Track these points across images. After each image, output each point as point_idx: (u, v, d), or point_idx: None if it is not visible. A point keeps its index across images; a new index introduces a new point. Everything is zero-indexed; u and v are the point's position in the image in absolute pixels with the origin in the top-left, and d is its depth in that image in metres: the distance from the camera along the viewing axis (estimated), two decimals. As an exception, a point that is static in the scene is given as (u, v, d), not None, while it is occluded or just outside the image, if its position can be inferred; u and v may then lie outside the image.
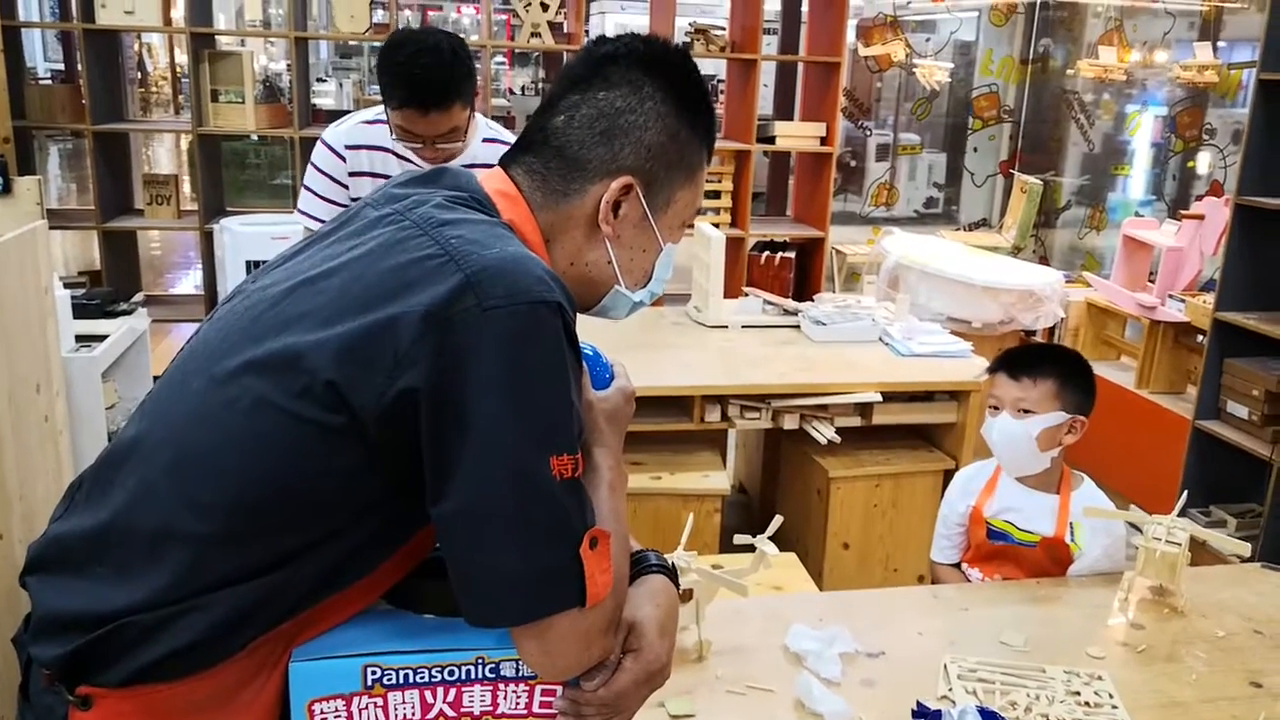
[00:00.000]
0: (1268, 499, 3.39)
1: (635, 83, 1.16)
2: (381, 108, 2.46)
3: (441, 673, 1.08)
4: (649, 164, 1.17)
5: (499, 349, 0.98)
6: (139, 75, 13.57)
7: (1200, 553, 3.23)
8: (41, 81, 11.02)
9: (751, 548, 1.78)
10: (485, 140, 2.55)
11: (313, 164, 2.61)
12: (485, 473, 0.98)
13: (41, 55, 14.01)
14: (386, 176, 2.51)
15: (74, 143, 12.49)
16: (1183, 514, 3.63)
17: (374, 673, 1.07)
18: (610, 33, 1.25)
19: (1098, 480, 2.13)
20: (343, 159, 2.56)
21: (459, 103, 2.32)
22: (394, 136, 2.39)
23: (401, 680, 1.08)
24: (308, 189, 2.62)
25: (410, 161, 2.50)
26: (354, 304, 1.02)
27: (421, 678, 1.08)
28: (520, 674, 1.09)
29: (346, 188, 2.58)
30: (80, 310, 3.25)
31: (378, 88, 2.41)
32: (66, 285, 3.25)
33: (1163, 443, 3.95)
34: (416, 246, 1.05)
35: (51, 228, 4.86)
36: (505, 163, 1.21)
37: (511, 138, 2.61)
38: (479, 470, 0.98)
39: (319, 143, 2.61)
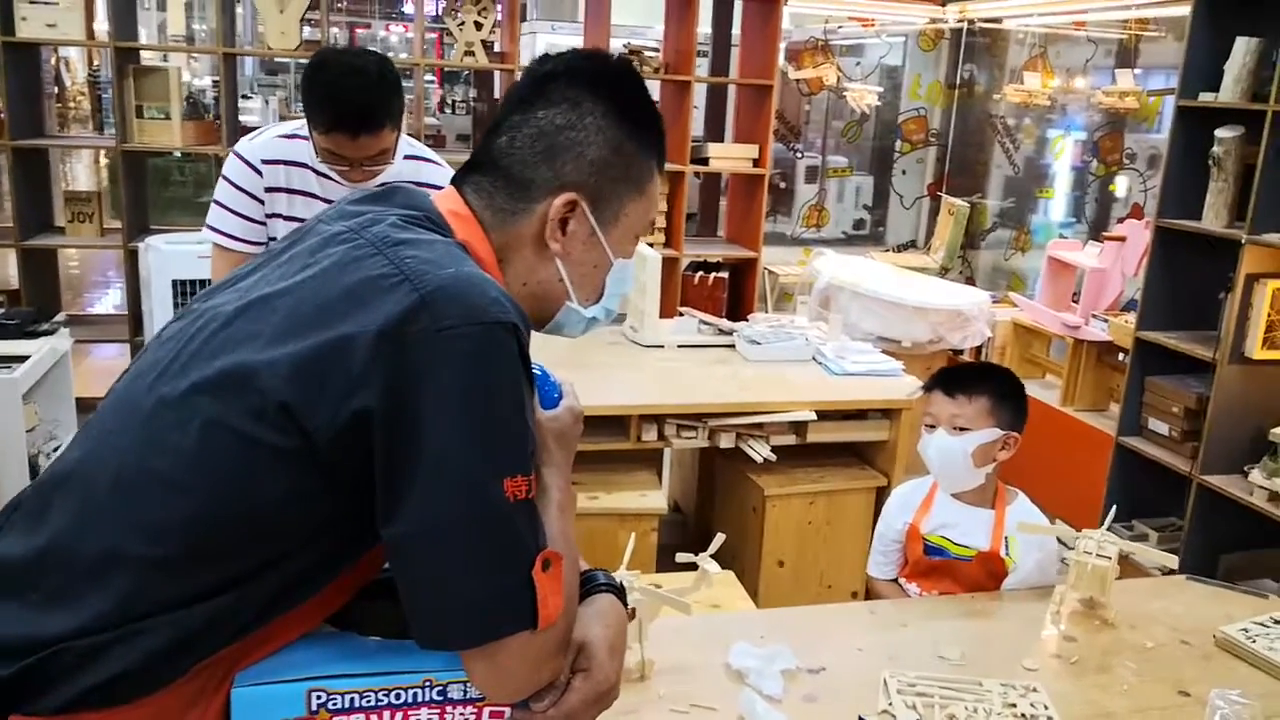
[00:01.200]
0: (1188, 513, 3.49)
1: (574, 99, 1.16)
2: (299, 122, 2.41)
3: (388, 696, 1.07)
4: (593, 179, 1.17)
5: (453, 370, 0.98)
6: (56, 90, 13.24)
7: (1124, 566, 3.32)
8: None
9: (693, 566, 1.78)
10: (406, 157, 2.50)
11: (225, 178, 2.49)
12: (438, 494, 0.97)
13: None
14: (306, 193, 2.46)
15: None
16: (1108, 528, 3.73)
17: (319, 697, 1.05)
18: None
19: (1027, 494, 2.18)
20: (259, 173, 2.46)
21: (388, 125, 2.27)
22: (319, 159, 2.33)
23: (347, 705, 1.06)
24: (219, 204, 2.50)
25: (330, 179, 2.42)
26: (307, 322, 1.01)
27: (367, 701, 1.06)
28: (468, 696, 1.08)
29: (262, 203, 2.47)
30: (-1, 331, 3.17)
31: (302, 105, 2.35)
32: (-19, 306, 3.16)
33: (1087, 459, 4.05)
34: (371, 265, 1.04)
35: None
36: (456, 182, 1.21)
37: (432, 154, 2.60)
38: (432, 492, 0.97)
39: (232, 156, 2.49)
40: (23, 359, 3.12)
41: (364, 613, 1.16)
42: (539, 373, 1.24)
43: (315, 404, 0.98)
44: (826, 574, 3.34)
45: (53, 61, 6.20)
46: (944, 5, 5.61)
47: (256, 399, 0.99)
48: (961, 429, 2.07)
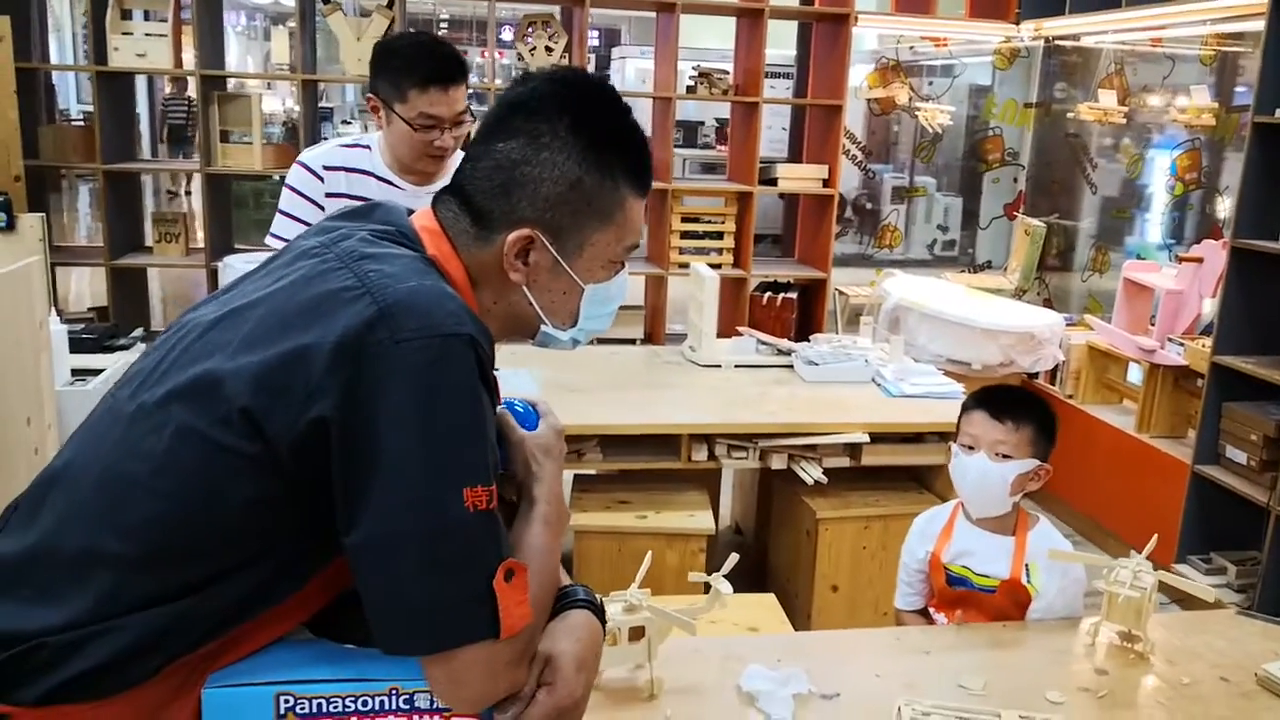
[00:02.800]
0: (1266, 546, 3.35)
1: (532, 133, 1.15)
2: (359, 133, 2.49)
3: (355, 702, 1.08)
4: (549, 214, 1.16)
5: (410, 381, 1.00)
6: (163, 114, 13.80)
7: (1191, 599, 3.19)
8: (74, 122, 11.24)
9: (710, 586, 1.77)
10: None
11: (289, 186, 2.56)
12: (395, 503, 0.99)
13: (74, 97, 14.29)
14: (365, 199, 2.49)
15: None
16: (1182, 560, 3.60)
17: (287, 701, 1.07)
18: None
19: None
20: (320, 179, 2.52)
21: (468, 79, 2.40)
22: (415, 127, 2.36)
23: (314, 710, 1.08)
24: (282, 213, 2.55)
25: (391, 184, 2.50)
26: (272, 333, 1.05)
27: (335, 707, 1.08)
28: (434, 705, 1.09)
29: (322, 209, 2.51)
30: (78, 344, 3.29)
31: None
32: (67, 320, 3.29)
33: (1163, 487, 3.91)
34: (336, 279, 1.07)
35: (62, 264, 4.95)
36: (435, 201, 1.23)
37: None
38: (389, 501, 0.99)
39: (295, 165, 2.56)
40: (98, 372, 3.24)
41: (341, 619, 1.18)
42: (520, 408, 1.27)
43: (275, 411, 1.01)
44: (882, 600, 3.28)
45: (166, 89, 6.48)
46: (1018, 23, 5.51)
47: (223, 405, 1.02)
48: (1005, 456, 2.01)
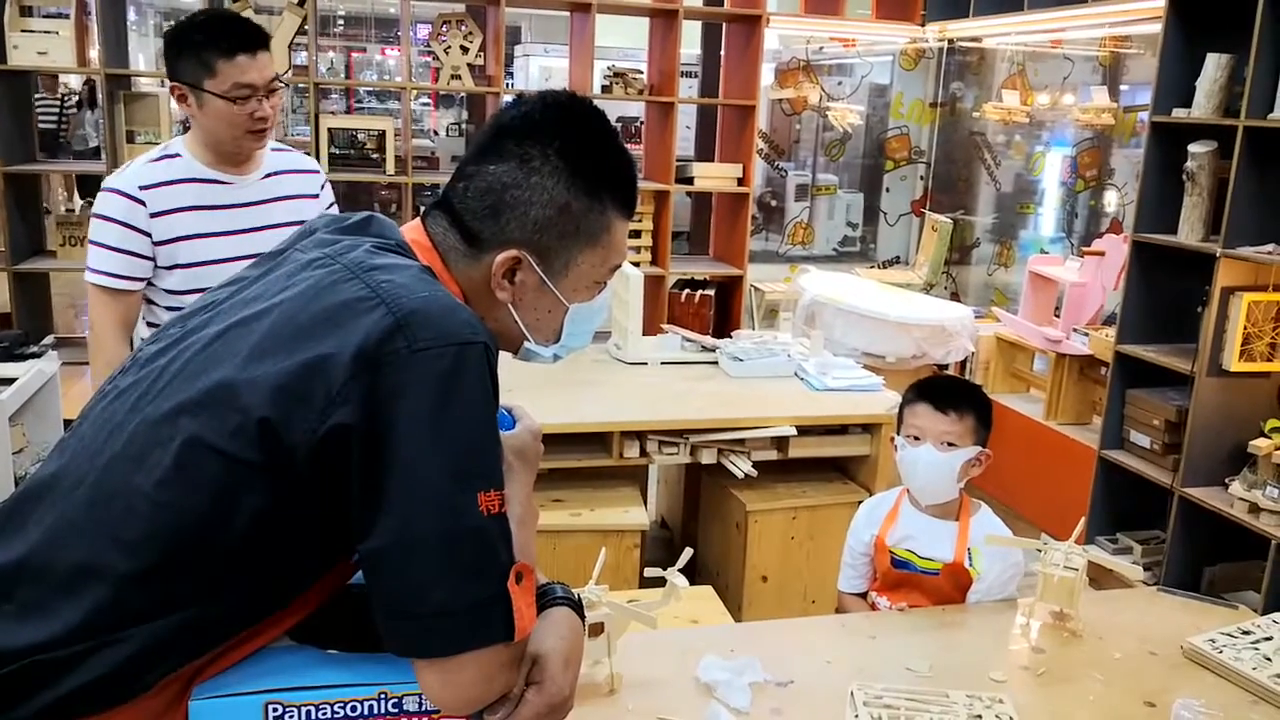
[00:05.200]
0: (1170, 526, 3.50)
1: (524, 156, 1.17)
2: (160, 146, 2.43)
3: (344, 708, 1.09)
4: (537, 236, 1.19)
5: (428, 389, 1.02)
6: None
7: (1108, 578, 3.33)
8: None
9: (664, 580, 1.80)
10: (273, 150, 2.55)
11: (103, 217, 2.34)
12: (414, 509, 1.01)
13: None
14: (202, 207, 2.39)
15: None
16: (1090, 541, 3.74)
17: (275, 710, 1.07)
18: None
19: (1009, 509, 2.19)
20: (142, 203, 2.34)
21: (269, 46, 2.37)
22: (233, 100, 2.28)
23: (303, 717, 1.08)
24: (99, 245, 2.34)
25: (216, 181, 2.40)
26: (286, 342, 1.05)
27: (323, 713, 1.08)
28: (423, 708, 1.10)
29: (149, 235, 2.35)
30: (-13, 353, 3.18)
31: (185, 84, 2.30)
32: (-29, 328, 3.18)
33: (1071, 472, 4.06)
34: (348, 289, 1.08)
35: (-43, 270, 4.75)
36: (425, 216, 1.25)
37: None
38: (408, 507, 1.01)
39: (105, 195, 2.35)
40: (10, 381, 3.13)
41: (325, 625, 1.18)
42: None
43: (294, 420, 1.01)
44: (810, 589, 3.36)
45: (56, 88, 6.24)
46: (924, 25, 5.66)
47: (238, 416, 1.02)
48: (951, 445, 2.08)
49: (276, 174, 2.52)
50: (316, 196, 2.61)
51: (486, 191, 1.18)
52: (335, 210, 2.60)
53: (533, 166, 1.17)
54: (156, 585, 1.02)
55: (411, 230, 1.23)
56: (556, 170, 1.17)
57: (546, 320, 1.26)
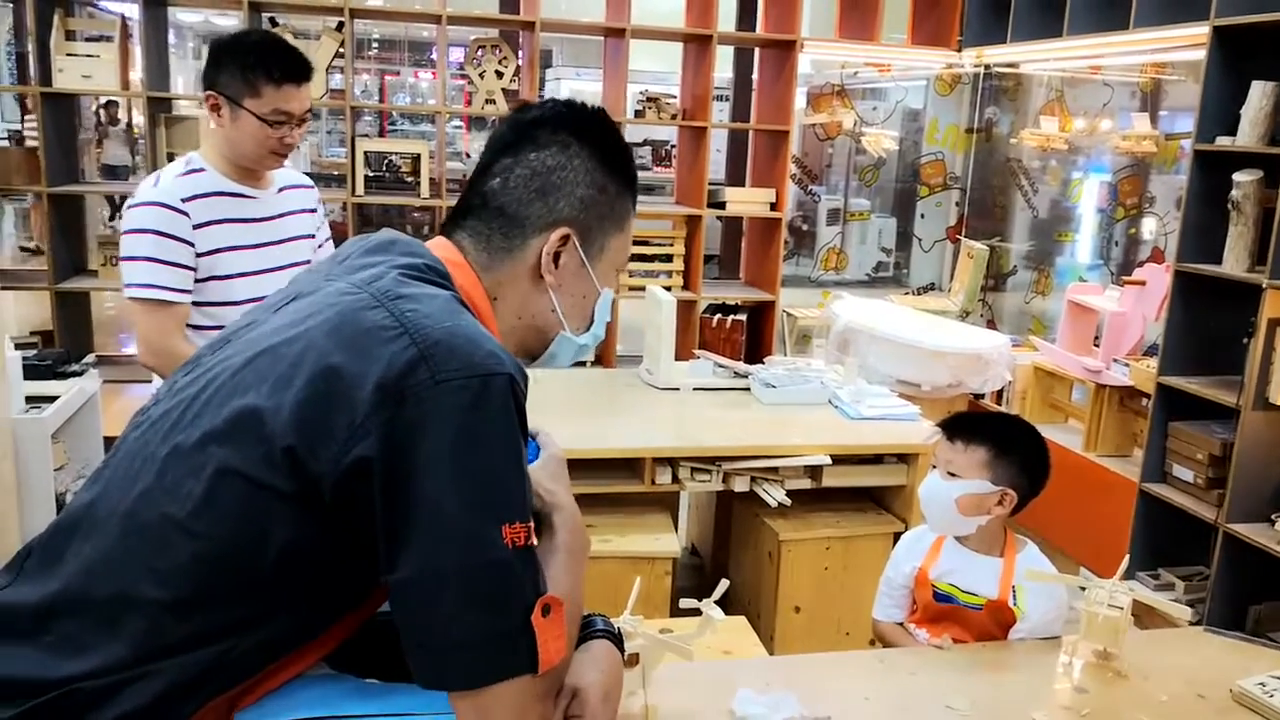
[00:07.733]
0: (1214, 562, 3.43)
1: (563, 143, 1.24)
2: (183, 158, 2.46)
3: (377, 739, 1.07)
4: (582, 215, 1.24)
5: (451, 420, 1.01)
6: (97, 138, 13.46)
7: (1151, 615, 3.27)
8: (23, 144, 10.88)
9: (698, 611, 1.77)
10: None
11: (147, 230, 2.34)
12: (438, 542, 1.00)
13: (-2, 117, 13.91)
14: (234, 220, 2.44)
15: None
16: (1131, 577, 3.67)
17: (310, 740, 1.05)
18: (566, 98, 1.32)
19: (1046, 542, 2.15)
20: (185, 214, 2.36)
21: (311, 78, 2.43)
22: (269, 123, 2.33)
23: (340, 748, 1.06)
24: (149, 259, 2.34)
25: (243, 195, 2.46)
26: (310, 371, 1.05)
27: (357, 744, 1.07)
28: (455, 741, 1.08)
29: (193, 245, 2.37)
30: (31, 371, 3.20)
31: (231, 100, 2.35)
32: (18, 346, 3.20)
33: (1110, 505, 4.00)
34: (373, 317, 1.08)
35: (3, 288, 4.80)
36: (448, 230, 1.25)
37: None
38: (431, 539, 1.00)
39: (147, 208, 2.35)
40: (52, 399, 3.15)
41: (363, 653, 1.16)
42: None
43: (317, 450, 1.01)
44: (844, 620, 3.31)
45: (94, 108, 6.32)
46: (960, 51, 5.63)
47: (265, 446, 1.02)
48: (952, 475, 2.05)
49: (286, 189, 2.60)
50: (314, 211, 2.69)
51: (532, 176, 1.23)
52: (326, 224, 2.75)
53: (572, 151, 1.25)
54: (192, 616, 1.02)
55: (438, 247, 1.24)
56: (592, 155, 1.25)
57: (581, 305, 1.30)
